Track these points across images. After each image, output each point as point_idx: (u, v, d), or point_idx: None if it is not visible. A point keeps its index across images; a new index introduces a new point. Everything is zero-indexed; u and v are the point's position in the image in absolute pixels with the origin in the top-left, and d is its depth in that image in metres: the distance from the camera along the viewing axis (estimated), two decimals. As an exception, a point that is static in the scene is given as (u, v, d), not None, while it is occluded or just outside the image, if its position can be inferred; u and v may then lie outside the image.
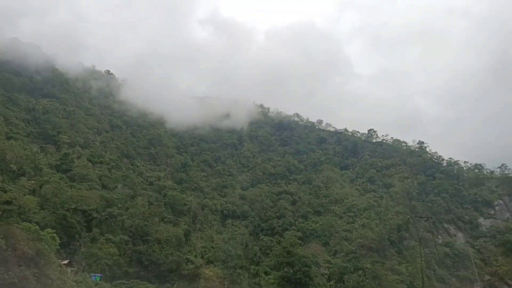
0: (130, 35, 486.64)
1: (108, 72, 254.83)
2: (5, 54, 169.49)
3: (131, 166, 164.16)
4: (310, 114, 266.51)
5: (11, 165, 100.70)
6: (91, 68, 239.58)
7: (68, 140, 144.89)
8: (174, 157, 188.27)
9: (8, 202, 49.12)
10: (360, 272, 71.86)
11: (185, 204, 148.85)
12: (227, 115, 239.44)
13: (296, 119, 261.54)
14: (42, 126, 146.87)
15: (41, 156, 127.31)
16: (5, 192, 60.78)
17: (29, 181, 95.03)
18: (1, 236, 33.15)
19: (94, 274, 66.01)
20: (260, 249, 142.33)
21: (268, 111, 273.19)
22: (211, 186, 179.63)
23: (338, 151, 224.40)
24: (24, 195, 73.33)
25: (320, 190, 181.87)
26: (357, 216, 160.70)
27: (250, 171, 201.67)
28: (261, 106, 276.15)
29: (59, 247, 50.19)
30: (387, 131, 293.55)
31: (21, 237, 35.37)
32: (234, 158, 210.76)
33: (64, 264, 51.85)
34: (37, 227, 43.46)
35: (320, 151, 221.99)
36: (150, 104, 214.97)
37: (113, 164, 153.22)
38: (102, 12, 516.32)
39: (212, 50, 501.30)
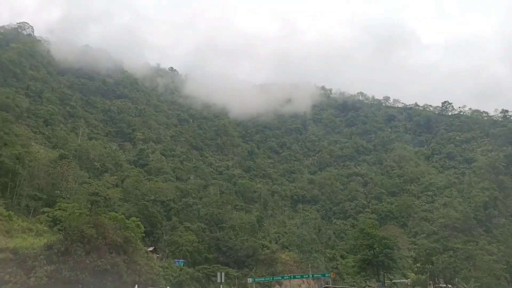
0: (188, 30, 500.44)
1: (171, 69, 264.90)
2: (79, 61, 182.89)
3: (200, 157, 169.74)
4: (375, 91, 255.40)
5: (95, 163, 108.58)
6: (156, 67, 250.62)
7: (142, 137, 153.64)
8: (240, 146, 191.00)
9: (95, 193, 52.91)
10: (451, 252, 66.54)
11: (255, 191, 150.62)
12: (289, 100, 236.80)
13: (360, 98, 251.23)
14: (118, 125, 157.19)
15: (120, 153, 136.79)
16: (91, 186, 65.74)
17: (112, 177, 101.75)
18: (92, 225, 35.22)
19: (178, 260, 69.10)
20: (334, 233, 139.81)
21: (331, 92, 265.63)
22: (278, 172, 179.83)
23: (409, 128, 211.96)
24: (108, 188, 78.60)
25: (392, 170, 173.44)
26: (437, 195, 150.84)
27: (317, 154, 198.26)
28: (323, 88, 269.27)
29: (144, 235, 52.68)
30: (463, 103, 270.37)
31: (109, 226, 37.39)
32: (300, 143, 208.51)
33: (150, 251, 54.75)
34: (122, 216, 45.92)
35: (389, 129, 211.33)
36: (212, 96, 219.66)
37: (184, 156, 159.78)
38: (160, 11, 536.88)
39: (268, 37, 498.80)
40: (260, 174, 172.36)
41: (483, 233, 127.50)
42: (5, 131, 63.01)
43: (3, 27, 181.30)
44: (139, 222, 50.31)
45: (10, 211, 45.16)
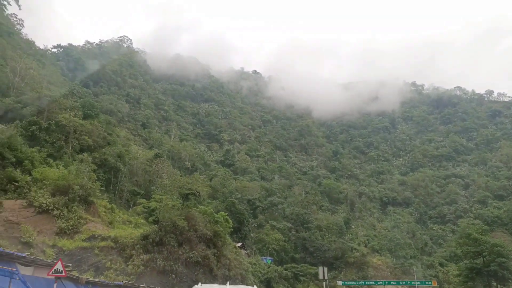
0: (271, 33, 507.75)
1: (255, 71, 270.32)
2: (171, 69, 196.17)
3: (284, 158, 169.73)
4: (475, 86, 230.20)
5: (186, 163, 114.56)
6: (240, 70, 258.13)
7: (228, 138, 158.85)
8: (325, 146, 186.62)
9: (187, 188, 55.25)
10: None
11: (340, 192, 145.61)
12: (375, 98, 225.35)
13: (458, 93, 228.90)
14: (206, 127, 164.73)
15: (208, 154, 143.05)
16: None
17: (201, 175, 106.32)
18: (183, 218, 36.22)
19: (265, 258, 69.04)
20: (431, 239, 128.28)
21: (423, 88, 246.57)
22: (366, 173, 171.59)
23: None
24: (198, 187, 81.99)
25: (499, 171, 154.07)
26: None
27: (408, 154, 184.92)
28: (413, 84, 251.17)
29: (232, 229, 53.26)
30: None
31: (200, 219, 38.17)
32: (388, 143, 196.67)
33: (238, 246, 55.34)
34: (212, 210, 46.85)
35: (494, 126, 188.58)
36: (295, 97, 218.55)
37: (268, 156, 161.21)
38: (242, 15, 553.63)
39: (352, 35, 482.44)
40: (346, 175, 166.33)
41: None
42: (109, 132, 69.16)
43: (107, 41, 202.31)
44: (227, 217, 50.96)
45: (113, 204, 49.01)
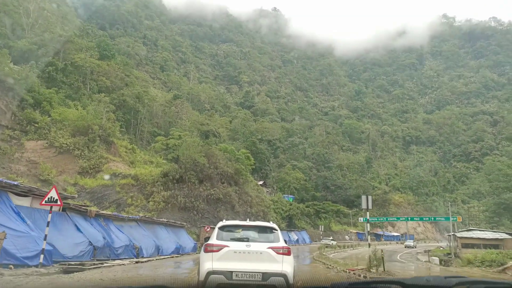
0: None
1: (274, 9, 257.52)
2: (188, 9, 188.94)
3: (305, 98, 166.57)
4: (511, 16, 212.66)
5: (205, 105, 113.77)
6: (259, 8, 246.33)
7: (247, 79, 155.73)
8: (347, 86, 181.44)
9: (206, 126, 54.68)
10: None
11: (362, 132, 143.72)
12: (402, 33, 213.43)
13: (492, 24, 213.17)
14: (225, 69, 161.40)
15: (227, 96, 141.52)
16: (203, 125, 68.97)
17: (221, 117, 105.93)
18: (203, 155, 35.93)
19: (287, 195, 69.91)
20: (454, 177, 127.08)
21: (454, 20, 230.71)
22: (389, 112, 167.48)
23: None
24: (219, 128, 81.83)
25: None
26: None
27: (434, 92, 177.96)
28: (444, 16, 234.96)
29: (253, 167, 53.28)
30: None
31: (221, 157, 37.86)
32: (414, 80, 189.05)
33: (260, 184, 55.90)
34: (233, 147, 46.50)
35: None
36: (317, 34, 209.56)
37: (289, 97, 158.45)
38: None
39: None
40: (369, 115, 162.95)
41: None
42: (126, 73, 68.16)
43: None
44: (249, 154, 50.64)
45: (133, 145, 49.34)
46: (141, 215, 22.88)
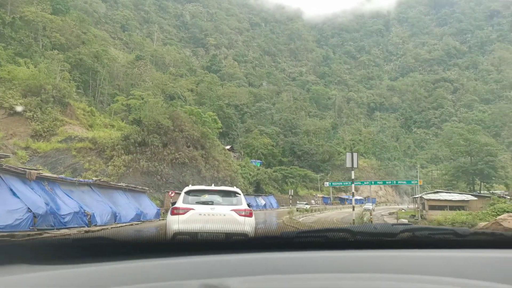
0: None
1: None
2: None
3: (273, 63, 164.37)
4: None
5: (170, 68, 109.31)
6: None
7: (214, 42, 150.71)
8: (315, 51, 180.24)
9: (170, 86, 52.27)
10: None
11: (329, 98, 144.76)
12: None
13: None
14: (191, 31, 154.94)
15: (193, 59, 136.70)
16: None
17: (186, 81, 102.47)
18: (168, 117, 34.18)
19: (254, 160, 69.61)
20: (414, 142, 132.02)
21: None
22: (355, 79, 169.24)
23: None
24: (184, 92, 79.03)
25: (489, 75, 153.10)
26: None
27: (399, 59, 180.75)
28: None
29: (221, 130, 52.04)
30: None
31: (186, 120, 36.27)
32: (380, 47, 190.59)
33: (227, 149, 54.94)
34: (199, 110, 44.82)
35: (491, 28, 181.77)
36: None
37: (256, 62, 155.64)
38: None
39: None
40: (335, 81, 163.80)
41: None
42: (83, 31, 63.34)
43: None
44: (216, 117, 49.16)
45: (92, 107, 46.44)
46: (94, 178, 21.24)
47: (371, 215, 14.20)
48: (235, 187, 9.73)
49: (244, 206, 8.24)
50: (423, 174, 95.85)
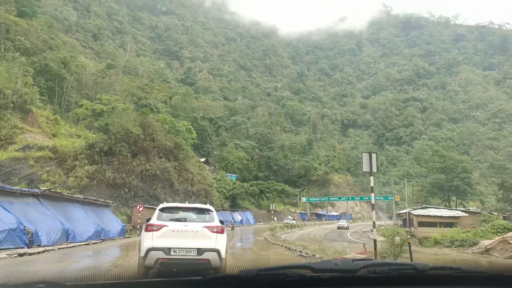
0: None
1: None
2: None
3: (248, 78, 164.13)
4: (444, 9, 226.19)
5: (143, 80, 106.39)
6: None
7: (189, 55, 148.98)
8: (290, 67, 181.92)
9: (144, 99, 49.71)
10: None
11: (304, 114, 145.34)
12: (343, 18, 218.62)
13: (425, 15, 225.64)
14: (166, 43, 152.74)
15: (167, 71, 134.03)
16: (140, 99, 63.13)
17: (160, 93, 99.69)
18: (138, 125, 31.75)
19: (230, 174, 67.47)
20: (386, 159, 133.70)
21: (392, 9, 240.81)
22: (329, 96, 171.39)
23: (480, 49, 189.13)
24: (158, 104, 76.34)
25: (456, 95, 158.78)
26: (506, 123, 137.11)
27: (371, 78, 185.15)
28: (383, 4, 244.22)
29: (195, 141, 49.78)
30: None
31: (158, 128, 33.99)
32: (353, 65, 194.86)
33: (202, 161, 52.60)
34: (172, 118, 42.49)
35: (457, 51, 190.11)
36: (261, 13, 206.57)
37: (232, 76, 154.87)
38: None
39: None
40: (310, 97, 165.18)
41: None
42: (51, 36, 60.09)
43: None
44: (190, 127, 46.86)
45: (57, 115, 43.24)
46: (43, 188, 18.37)
47: (408, 237, 11.87)
48: (208, 204, 10.05)
49: (216, 223, 8.35)
50: (397, 190, 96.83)
